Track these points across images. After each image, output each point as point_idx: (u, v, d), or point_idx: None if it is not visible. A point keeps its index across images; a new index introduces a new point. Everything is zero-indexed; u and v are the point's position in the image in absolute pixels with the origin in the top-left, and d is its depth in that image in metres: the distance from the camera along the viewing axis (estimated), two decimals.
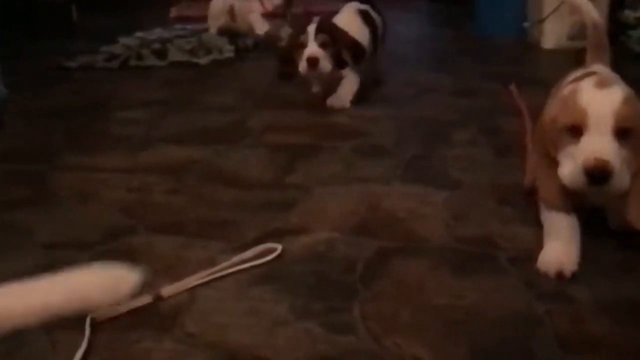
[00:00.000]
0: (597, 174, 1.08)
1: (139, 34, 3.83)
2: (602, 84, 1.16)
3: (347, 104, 2.36)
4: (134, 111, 2.42)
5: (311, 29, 2.19)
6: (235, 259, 1.31)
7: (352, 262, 1.32)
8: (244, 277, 1.28)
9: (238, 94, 2.66)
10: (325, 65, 2.19)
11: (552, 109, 1.24)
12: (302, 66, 2.18)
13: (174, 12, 4.74)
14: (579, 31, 3.31)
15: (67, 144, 2.09)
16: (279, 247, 1.35)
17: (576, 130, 1.13)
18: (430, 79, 2.79)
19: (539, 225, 1.34)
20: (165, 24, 4.20)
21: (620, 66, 2.91)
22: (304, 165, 1.84)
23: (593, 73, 1.34)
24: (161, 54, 3.30)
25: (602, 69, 1.45)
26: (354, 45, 2.33)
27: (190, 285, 1.23)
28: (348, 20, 2.43)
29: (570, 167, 1.15)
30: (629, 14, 3.18)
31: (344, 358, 1.04)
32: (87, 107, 2.51)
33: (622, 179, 1.11)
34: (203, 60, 3.23)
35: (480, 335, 1.07)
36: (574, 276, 1.21)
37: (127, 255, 1.37)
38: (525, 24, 3.56)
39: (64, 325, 1.13)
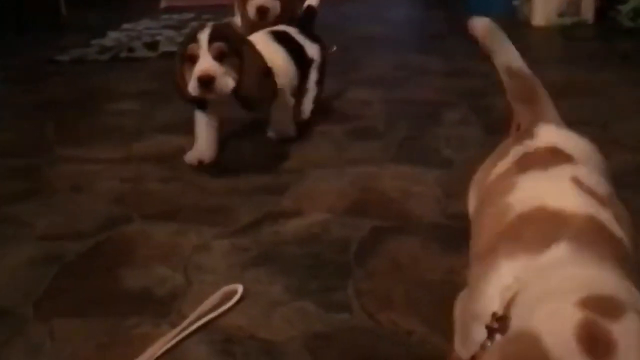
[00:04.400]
0: None
1: (126, 25, 3.82)
2: (595, 344, 0.52)
3: (294, 133, 1.90)
4: (125, 102, 2.42)
5: (203, 35, 1.60)
6: (198, 310, 1.12)
7: (346, 242, 1.33)
8: (238, 260, 1.29)
9: None
10: (225, 83, 1.60)
11: None
12: (193, 86, 1.59)
13: (164, 3, 4.73)
14: (569, 8, 3.31)
15: (60, 136, 2.09)
16: (240, 287, 1.17)
17: None
18: (420, 61, 2.79)
19: None
20: (153, 15, 4.18)
21: (611, 41, 2.94)
22: (296, 150, 1.85)
23: (551, 151, 0.82)
24: (152, 46, 3.30)
25: (557, 135, 0.87)
26: (262, 66, 1.70)
27: (158, 354, 1.04)
28: (260, 46, 1.78)
29: None
30: None
31: (339, 335, 1.05)
32: (79, 100, 2.51)
33: None
34: None
35: None
36: None
37: (123, 244, 1.38)
38: (515, 2, 3.56)
39: (62, 313, 1.15)
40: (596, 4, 3.33)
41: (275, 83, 1.76)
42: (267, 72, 1.72)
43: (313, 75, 2.02)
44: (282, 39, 1.90)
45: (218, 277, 1.23)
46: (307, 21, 2.13)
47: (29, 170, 1.82)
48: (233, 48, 1.62)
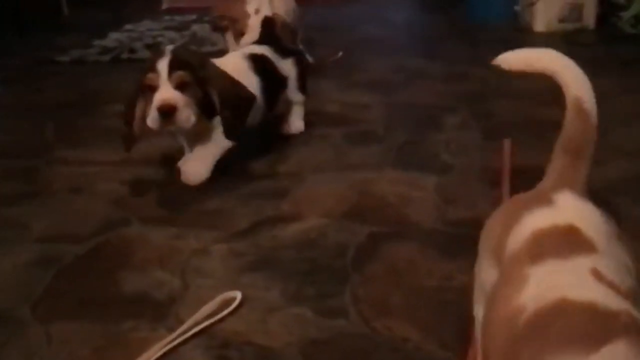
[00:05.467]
0: None
1: (128, 26, 3.82)
2: None
3: (202, 177, 1.67)
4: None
5: (162, 64, 1.51)
6: (196, 316, 1.11)
7: (344, 247, 1.33)
8: (235, 264, 1.29)
9: None
10: (186, 115, 1.51)
11: None
12: (152, 118, 1.51)
13: (165, 4, 4.73)
14: (570, 14, 3.32)
15: (59, 138, 2.09)
16: (238, 294, 1.16)
17: None
18: (420, 65, 2.79)
19: None
20: (155, 16, 4.19)
21: (612, 47, 2.94)
22: (295, 154, 1.85)
23: (569, 232, 0.72)
24: (153, 47, 3.30)
25: (577, 211, 0.76)
26: (232, 88, 1.63)
27: (154, 358, 1.04)
28: (230, 68, 1.70)
29: None
30: None
31: (336, 342, 1.05)
32: (79, 101, 2.51)
33: None
34: None
35: (469, 316, 1.09)
36: None
37: (121, 247, 1.38)
38: (516, 8, 3.56)
39: (59, 316, 1.15)
40: (598, 10, 3.33)
41: (249, 91, 1.67)
42: (236, 86, 1.64)
43: (292, 90, 1.95)
44: (257, 61, 1.81)
45: (216, 282, 1.23)
46: (268, 33, 2.02)
47: (28, 171, 1.82)
48: (195, 77, 1.54)
